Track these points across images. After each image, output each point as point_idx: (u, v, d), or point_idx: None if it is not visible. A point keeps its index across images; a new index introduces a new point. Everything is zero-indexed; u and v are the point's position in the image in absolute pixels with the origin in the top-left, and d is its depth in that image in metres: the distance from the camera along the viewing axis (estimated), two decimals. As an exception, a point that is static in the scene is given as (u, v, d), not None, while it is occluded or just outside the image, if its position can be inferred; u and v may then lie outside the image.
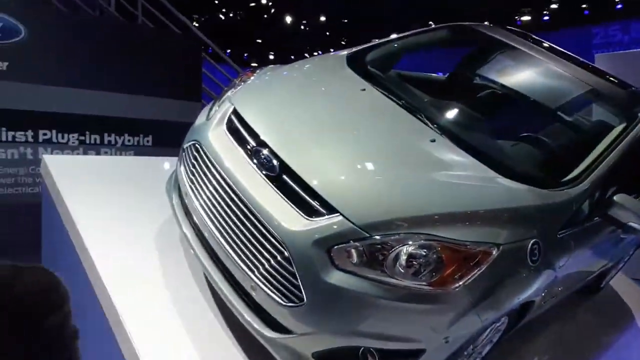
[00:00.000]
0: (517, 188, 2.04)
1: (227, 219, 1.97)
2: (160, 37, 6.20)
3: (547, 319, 2.88)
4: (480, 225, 1.86)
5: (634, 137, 2.53)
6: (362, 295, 1.70)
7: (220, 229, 1.99)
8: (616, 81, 3.00)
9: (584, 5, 15.85)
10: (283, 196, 1.88)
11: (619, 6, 14.79)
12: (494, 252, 1.79)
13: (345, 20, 18.87)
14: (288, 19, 18.99)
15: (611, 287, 3.94)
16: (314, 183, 1.86)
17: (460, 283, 1.74)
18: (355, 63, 2.71)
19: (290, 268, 1.76)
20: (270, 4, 18.44)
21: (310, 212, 1.81)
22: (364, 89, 2.44)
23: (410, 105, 2.38)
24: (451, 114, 2.65)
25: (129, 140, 5.43)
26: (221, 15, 18.52)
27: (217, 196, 2.04)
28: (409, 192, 1.90)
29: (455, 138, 2.22)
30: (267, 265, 1.82)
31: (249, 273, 1.86)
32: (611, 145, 2.44)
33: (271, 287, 1.81)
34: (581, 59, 3.14)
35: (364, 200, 1.83)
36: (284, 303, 1.79)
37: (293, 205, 1.84)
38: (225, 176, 2.02)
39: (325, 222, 1.77)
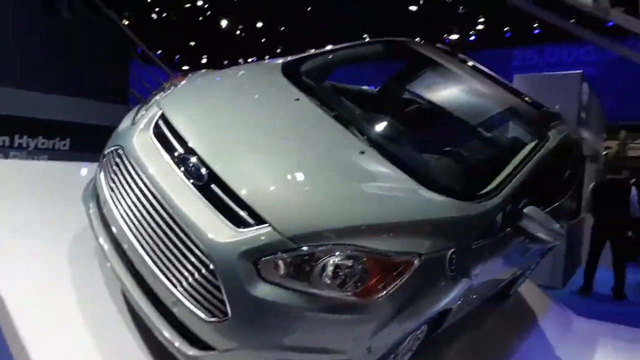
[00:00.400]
0: (438, 200, 2.14)
1: (149, 229, 1.89)
2: (82, 31, 5.77)
3: (462, 326, 3.01)
4: (404, 235, 1.92)
5: (543, 154, 2.73)
6: (288, 308, 1.71)
7: (141, 240, 1.91)
8: (531, 101, 3.24)
9: (506, 28, 16.97)
10: (210, 206, 1.84)
11: (536, 31, 15.95)
12: (416, 262, 1.87)
13: (282, 28, 18.91)
14: (224, 23, 18.69)
15: (519, 294, 4.22)
16: (243, 193, 1.84)
17: (384, 293, 1.79)
18: (290, 72, 2.73)
19: (215, 281, 1.72)
20: (206, 6, 18.06)
21: (238, 222, 1.79)
22: (298, 99, 2.46)
23: (342, 117, 2.42)
24: (380, 127, 2.72)
25: (42, 144, 5.07)
26: (153, 15, 17.86)
27: (139, 205, 1.95)
28: (338, 203, 1.93)
29: (383, 151, 2.28)
30: (190, 279, 1.77)
31: (171, 287, 1.80)
32: (523, 161, 2.62)
33: (194, 302, 1.77)
34: (501, 79, 3.37)
35: (293, 211, 1.83)
36: (207, 318, 1.74)
37: (220, 216, 1.81)
38: (149, 184, 1.94)
39: (253, 233, 1.75)
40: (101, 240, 2.09)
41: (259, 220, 1.77)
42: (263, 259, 1.71)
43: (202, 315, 1.75)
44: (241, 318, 1.71)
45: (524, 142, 2.88)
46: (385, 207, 1.99)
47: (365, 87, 3.94)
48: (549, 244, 2.67)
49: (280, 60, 2.87)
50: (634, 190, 6.28)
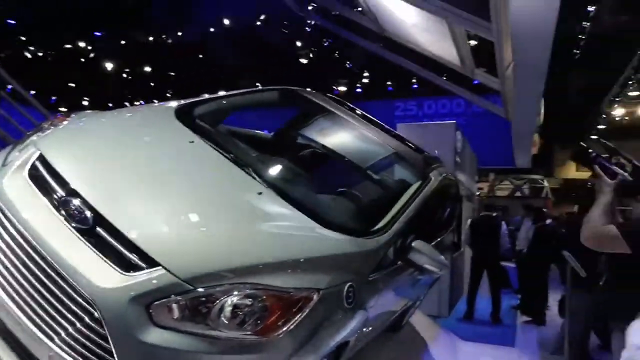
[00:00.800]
0: (334, 237, 2.24)
1: (20, 279, 1.74)
2: None
3: (360, 358, 3.11)
4: (302, 272, 1.98)
5: (426, 193, 3.01)
6: (184, 353, 1.65)
7: (10, 291, 1.74)
8: (414, 146, 3.58)
9: (388, 82, 18.49)
10: (95, 250, 1.75)
11: (415, 86, 17.60)
12: (315, 297, 1.92)
13: (172, 73, 18.67)
14: (109, 65, 17.97)
15: (411, 324, 4.47)
16: (132, 235, 1.77)
17: (284, 329, 1.81)
18: (184, 115, 2.72)
19: (101, 330, 1.62)
20: (89, 47, 17.27)
21: (127, 266, 1.71)
22: (192, 141, 2.46)
23: (238, 159, 2.47)
24: (277, 169, 2.81)
25: None
26: (27, 54, 16.63)
27: (8, 252, 1.80)
28: (235, 242, 1.94)
29: (280, 191, 2.36)
30: (70, 330, 1.65)
31: (47, 341, 1.66)
32: (409, 200, 2.86)
33: (75, 355, 1.64)
34: (387, 127, 3.68)
35: (188, 252, 1.80)
36: None
37: (107, 260, 1.72)
38: (21, 229, 1.80)
39: (144, 277, 1.68)
40: None
41: (151, 263, 1.71)
42: (156, 303, 1.65)
43: None
44: None
45: (409, 183, 3.14)
46: (283, 245, 2.04)
47: (260, 132, 4.06)
48: (435, 274, 2.90)
49: (173, 104, 2.86)
50: (504, 225, 7.03)
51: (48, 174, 1.98)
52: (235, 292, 1.74)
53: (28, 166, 2.04)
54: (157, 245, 1.77)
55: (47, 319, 1.68)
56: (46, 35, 15.57)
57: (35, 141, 2.19)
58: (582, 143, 2.51)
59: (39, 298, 1.70)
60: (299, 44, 15.56)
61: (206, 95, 3.20)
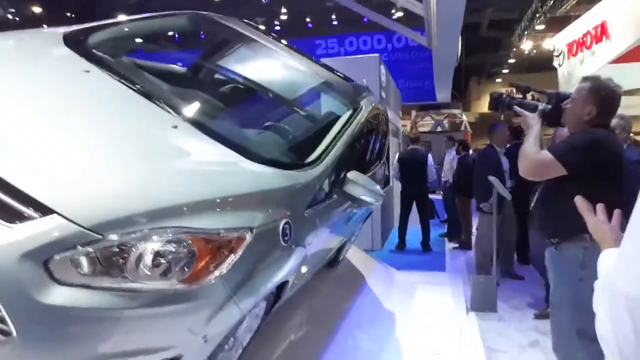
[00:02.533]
0: (265, 171, 2.03)
1: None
2: None
3: (299, 297, 3.02)
4: (232, 211, 1.76)
5: (359, 121, 2.84)
6: (100, 311, 1.40)
7: None
8: (342, 75, 3.36)
9: (307, 19, 17.88)
10: None
11: (335, 22, 17.16)
12: (247, 237, 1.72)
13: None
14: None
15: (347, 260, 4.47)
16: (17, 180, 1.45)
17: (216, 274, 1.60)
18: (76, 43, 2.31)
19: None
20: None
21: (12, 217, 1.40)
22: (88, 71, 2.09)
23: (147, 91, 2.14)
24: (194, 101, 2.49)
25: None
26: None
27: None
28: (148, 182, 1.66)
29: (199, 125, 2.08)
30: None
31: None
32: (342, 129, 2.68)
33: None
34: (312, 57, 3.42)
35: (91, 196, 1.51)
36: None
37: None
38: None
39: (38, 229, 1.38)
40: None
41: (45, 210, 1.41)
42: (56, 257, 1.37)
43: None
44: (33, 335, 1.36)
45: (339, 114, 2.96)
46: (208, 183, 1.79)
47: (173, 66, 3.64)
48: (371, 205, 2.79)
49: (60, 29, 2.42)
50: (430, 158, 7.16)
51: None
52: (155, 238, 1.50)
53: None
54: (50, 190, 1.46)
55: None
56: None
57: None
58: (492, 93, 2.56)
59: None
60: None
61: (103, 22, 2.74)
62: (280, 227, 1.91)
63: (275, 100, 3.29)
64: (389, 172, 6.79)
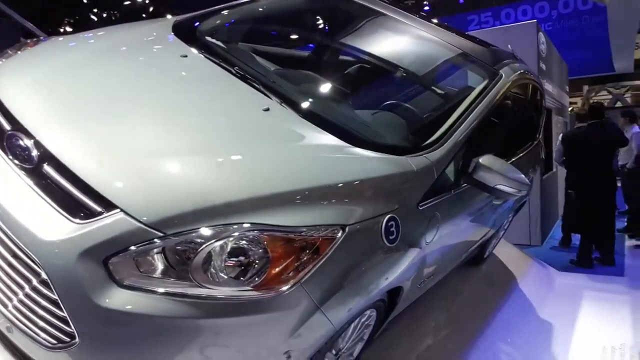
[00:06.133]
0: (365, 157, 1.72)
1: None
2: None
3: (433, 297, 2.69)
4: (320, 205, 1.48)
5: (495, 93, 2.34)
6: (162, 319, 1.25)
7: None
8: (477, 40, 2.85)
9: (458, -6, 16.75)
10: (43, 194, 1.36)
11: (489, -6, 15.75)
12: (338, 236, 1.44)
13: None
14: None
15: (496, 256, 3.89)
16: (84, 172, 1.36)
17: (297, 280, 1.35)
18: (183, 30, 2.26)
19: (51, 294, 1.26)
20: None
21: (79, 213, 1.31)
22: (185, 56, 2.00)
23: (244, 72, 1.97)
24: (298, 81, 2.26)
25: None
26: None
27: None
28: (224, 171, 1.47)
29: (296, 107, 1.85)
30: (21, 295, 1.32)
31: (1, 309, 1.36)
32: (472, 104, 2.22)
33: (30, 325, 1.32)
34: (445, 24, 2.96)
35: (157, 189, 1.36)
36: (50, 344, 1.30)
37: (55, 206, 1.33)
38: None
39: (98, 224, 1.27)
40: None
41: (109, 205, 1.30)
42: (116, 256, 1.25)
43: (44, 341, 1.30)
44: (95, 341, 1.26)
45: (472, 86, 2.48)
46: (294, 171, 1.54)
47: (297, 51, 3.49)
48: (514, 196, 2.27)
49: (172, 18, 2.39)
50: (636, 127, 5.82)
51: None
52: (226, 236, 1.30)
53: None
54: (115, 183, 1.36)
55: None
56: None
57: None
58: None
59: None
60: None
61: (216, 7, 2.68)
62: (383, 224, 1.58)
63: (399, 77, 2.91)
64: (548, 153, 5.82)
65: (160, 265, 1.28)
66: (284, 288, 1.33)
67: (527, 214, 5.67)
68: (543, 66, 6.20)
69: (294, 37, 3.49)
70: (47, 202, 1.34)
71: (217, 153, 1.52)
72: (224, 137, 1.61)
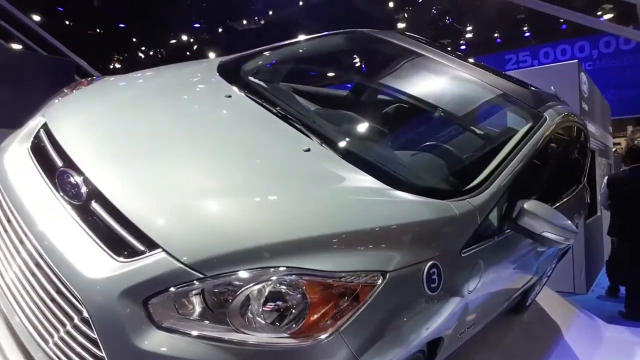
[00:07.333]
0: (407, 200, 1.67)
1: (15, 267, 1.45)
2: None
3: (472, 347, 2.54)
4: (360, 250, 1.45)
5: (539, 137, 2.27)
6: None
7: (8, 280, 1.46)
8: (520, 82, 2.81)
9: (495, 34, 16.77)
10: (89, 231, 1.38)
11: (527, 34, 15.72)
12: (378, 283, 1.39)
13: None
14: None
15: (538, 304, 3.70)
16: (129, 210, 1.37)
17: (336, 328, 1.31)
18: (227, 70, 2.32)
19: (91, 333, 1.26)
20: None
21: (123, 251, 1.32)
22: (230, 96, 2.04)
23: (285, 112, 1.99)
24: (338, 121, 2.27)
25: None
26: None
27: (5, 238, 1.52)
28: (264, 213, 1.46)
29: (336, 148, 1.84)
30: (62, 332, 1.32)
31: (42, 344, 1.35)
32: (516, 147, 2.16)
33: None
34: (481, 63, 2.94)
35: (199, 230, 1.36)
36: None
37: (100, 243, 1.35)
38: (12, 207, 1.51)
39: (140, 264, 1.28)
40: None
41: (151, 245, 1.30)
42: (155, 298, 1.24)
43: None
44: None
45: (516, 129, 2.42)
46: (333, 215, 1.52)
47: (337, 91, 3.53)
48: (560, 244, 2.17)
49: (217, 59, 2.46)
50: None
51: (50, 144, 1.67)
52: (264, 279, 1.28)
53: (32, 136, 1.76)
54: (159, 223, 1.37)
55: (41, 317, 1.38)
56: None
57: (44, 109, 1.91)
58: None
59: (32, 293, 1.41)
60: (391, 4, 14.62)
61: (258, 49, 2.75)
62: (425, 271, 1.53)
63: (439, 118, 2.88)
64: (590, 199, 5.57)
65: (198, 308, 1.27)
66: (322, 336, 1.29)
67: (571, 259, 5.41)
68: (585, 107, 6.06)
69: (333, 77, 3.54)
70: (93, 239, 1.36)
71: (257, 194, 1.52)
72: (265, 178, 1.61)
